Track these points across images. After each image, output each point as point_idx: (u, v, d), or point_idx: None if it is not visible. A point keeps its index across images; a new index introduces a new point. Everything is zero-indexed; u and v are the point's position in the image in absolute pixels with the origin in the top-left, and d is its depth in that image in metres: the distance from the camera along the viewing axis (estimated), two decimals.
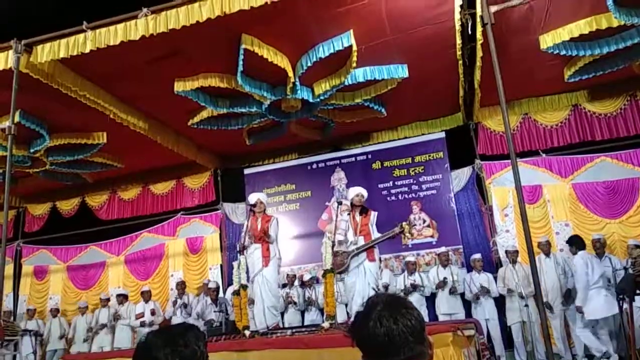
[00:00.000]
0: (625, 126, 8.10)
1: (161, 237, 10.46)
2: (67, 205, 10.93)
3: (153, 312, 9.04)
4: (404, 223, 5.96)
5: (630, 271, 5.34)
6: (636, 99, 8.12)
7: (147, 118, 7.69)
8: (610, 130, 8.17)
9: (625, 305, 5.47)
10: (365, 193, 6.35)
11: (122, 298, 9.40)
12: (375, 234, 6.11)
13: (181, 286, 9.09)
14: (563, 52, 6.46)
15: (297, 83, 6.71)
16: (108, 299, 9.65)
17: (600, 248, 7.30)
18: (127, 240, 10.76)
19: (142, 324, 8.91)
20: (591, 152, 8.33)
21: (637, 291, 5.18)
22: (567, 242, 7.26)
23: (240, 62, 6.04)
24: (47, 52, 5.67)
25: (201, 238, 10.13)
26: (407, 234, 5.99)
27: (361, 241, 6.07)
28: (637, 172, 8.01)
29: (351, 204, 6.30)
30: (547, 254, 7.50)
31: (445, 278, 7.76)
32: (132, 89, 6.87)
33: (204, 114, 7.61)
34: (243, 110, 7.39)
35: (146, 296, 9.24)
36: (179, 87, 6.58)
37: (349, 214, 6.25)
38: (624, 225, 7.86)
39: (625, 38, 6.34)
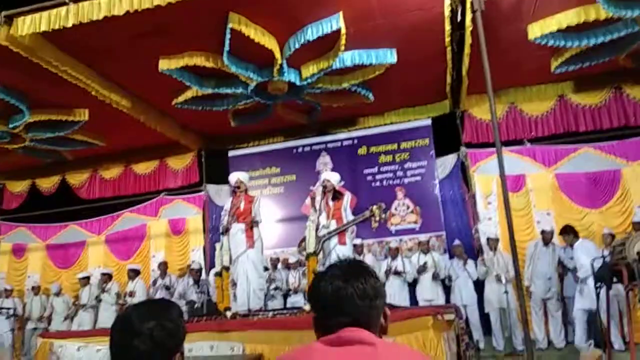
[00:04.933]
0: (609, 118, 8.18)
1: (143, 218, 10.37)
2: (47, 183, 10.74)
3: (132, 294, 8.79)
4: (374, 207, 5.96)
5: (608, 260, 5.44)
6: (621, 92, 8.20)
7: (131, 96, 7.56)
8: (594, 122, 8.24)
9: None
10: (333, 178, 6.32)
11: (107, 277, 9.26)
12: (349, 218, 6.12)
13: (163, 267, 9.02)
14: (550, 43, 6.48)
15: (285, 65, 6.64)
16: (88, 277, 9.52)
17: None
18: (108, 220, 10.66)
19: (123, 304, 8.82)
20: (575, 143, 8.42)
21: (614, 279, 5.28)
22: (564, 231, 7.11)
23: (227, 42, 5.95)
24: (28, 24, 5.52)
25: (184, 219, 10.07)
26: (377, 218, 5.98)
27: (333, 225, 6.08)
28: (619, 164, 8.13)
29: (324, 188, 6.29)
30: (547, 243, 7.43)
31: (425, 263, 7.83)
32: (115, 66, 6.73)
33: (189, 94, 7.50)
34: (228, 91, 7.30)
35: (131, 274, 9.08)
36: (164, 65, 6.46)
37: (322, 199, 6.25)
38: (603, 215, 7.98)
39: (612, 30, 6.37)
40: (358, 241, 8.24)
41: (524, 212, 8.28)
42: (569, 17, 6.06)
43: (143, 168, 10.35)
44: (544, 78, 8.18)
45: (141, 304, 1.52)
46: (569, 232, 7.02)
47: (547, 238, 7.47)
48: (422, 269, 7.87)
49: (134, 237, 10.30)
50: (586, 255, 6.71)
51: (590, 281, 6.70)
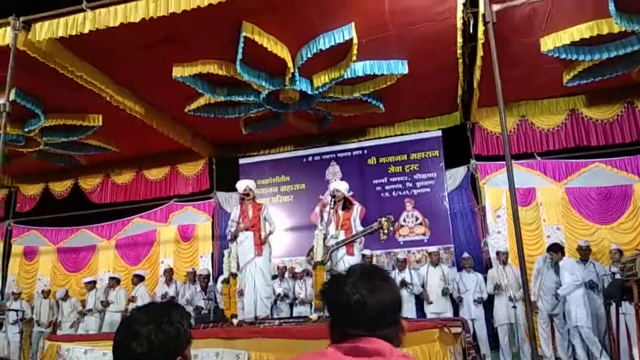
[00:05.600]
0: (620, 133, 8.13)
1: (153, 223, 10.43)
2: (60, 187, 10.87)
3: (133, 299, 8.85)
4: (382, 219, 5.92)
5: (619, 276, 5.38)
6: (633, 107, 8.15)
7: (144, 102, 7.65)
8: (606, 137, 8.20)
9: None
10: (342, 187, 6.31)
11: (114, 282, 9.31)
12: (358, 229, 6.10)
13: (168, 273, 9.05)
14: (563, 56, 6.46)
15: (296, 74, 6.68)
16: (94, 282, 9.57)
17: (585, 254, 7.34)
18: (118, 225, 10.73)
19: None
20: (586, 158, 8.36)
21: (624, 296, 5.22)
22: (552, 249, 7.09)
23: (240, 50, 6.01)
24: (45, 30, 5.62)
25: (193, 226, 10.11)
26: (385, 230, 5.94)
27: (342, 235, 6.08)
28: (631, 179, 8.06)
29: (333, 197, 6.28)
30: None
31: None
32: (130, 72, 6.82)
33: (202, 101, 7.57)
34: (241, 99, 7.36)
35: (135, 280, 9.19)
36: (177, 72, 6.53)
37: (332, 208, 6.24)
38: (614, 231, 7.90)
39: (626, 45, 6.35)
40: (366, 252, 8.18)
41: (534, 226, 8.22)
42: (581, 31, 6.05)
43: (155, 174, 10.44)
44: (556, 92, 8.17)
45: (144, 307, 1.53)
46: (557, 250, 6.99)
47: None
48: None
49: (143, 243, 10.36)
50: (568, 273, 6.68)
51: (573, 298, 6.66)
